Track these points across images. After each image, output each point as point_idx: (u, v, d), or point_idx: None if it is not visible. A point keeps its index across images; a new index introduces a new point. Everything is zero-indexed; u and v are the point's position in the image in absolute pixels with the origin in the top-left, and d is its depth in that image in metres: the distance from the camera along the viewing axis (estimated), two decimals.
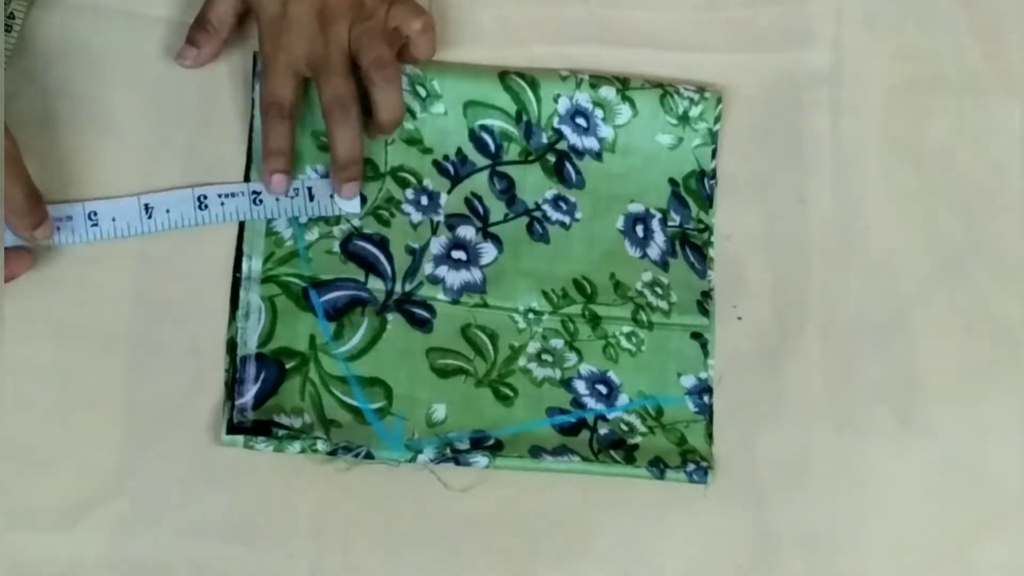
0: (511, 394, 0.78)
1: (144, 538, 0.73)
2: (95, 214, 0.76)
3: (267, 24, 0.77)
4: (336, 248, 0.78)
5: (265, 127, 0.77)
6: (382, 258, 0.79)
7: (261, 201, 0.77)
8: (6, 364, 0.74)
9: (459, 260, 0.80)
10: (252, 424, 0.74)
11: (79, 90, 0.78)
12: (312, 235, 0.78)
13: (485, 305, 0.79)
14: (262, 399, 0.75)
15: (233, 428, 0.74)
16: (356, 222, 0.79)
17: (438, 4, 0.83)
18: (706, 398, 0.80)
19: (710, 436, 0.79)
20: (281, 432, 0.74)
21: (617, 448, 0.78)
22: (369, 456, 0.75)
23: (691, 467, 0.78)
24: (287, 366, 0.76)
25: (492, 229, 0.81)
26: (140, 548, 0.73)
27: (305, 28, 0.77)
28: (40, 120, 0.78)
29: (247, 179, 0.78)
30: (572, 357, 0.80)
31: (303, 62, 0.77)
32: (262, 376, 0.75)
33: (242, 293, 0.77)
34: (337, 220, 0.79)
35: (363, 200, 0.79)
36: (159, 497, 0.74)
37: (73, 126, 0.78)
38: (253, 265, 0.77)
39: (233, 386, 0.75)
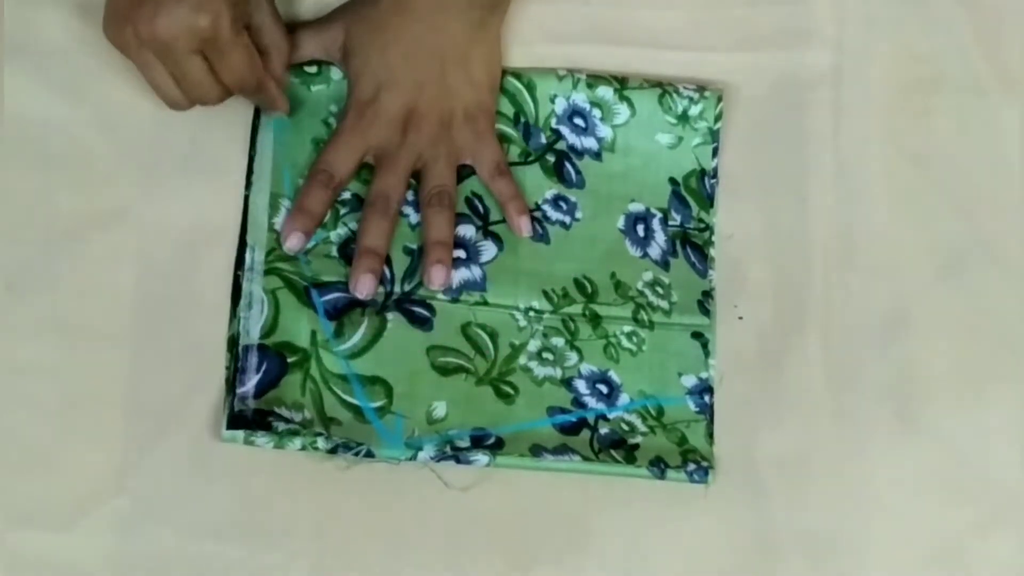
0: (512, 392, 0.78)
1: (144, 537, 0.74)
2: None
3: (356, 103, 0.79)
4: (334, 252, 0.78)
5: (308, 187, 0.78)
6: None
7: None
8: (6, 364, 0.74)
9: (458, 258, 0.80)
10: (253, 413, 0.74)
11: (79, 89, 0.78)
12: (310, 241, 0.78)
13: (485, 303, 0.79)
14: (263, 390, 0.75)
15: (234, 420, 0.74)
16: (353, 226, 0.79)
17: None
18: (707, 398, 0.80)
19: (711, 436, 0.79)
20: (281, 427, 0.74)
21: (618, 448, 0.78)
22: (369, 455, 0.75)
23: (692, 467, 0.78)
24: (289, 360, 0.76)
25: (492, 228, 0.81)
26: (140, 547, 0.73)
27: (388, 123, 0.79)
28: (40, 120, 0.78)
29: (248, 185, 0.78)
30: (573, 356, 0.80)
31: (373, 151, 0.79)
32: (264, 367, 0.75)
33: (244, 284, 0.77)
34: (335, 225, 0.79)
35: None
36: (159, 496, 0.74)
37: (73, 126, 0.78)
38: (256, 256, 0.77)
39: (234, 378, 0.75)
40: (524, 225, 0.80)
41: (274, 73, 0.78)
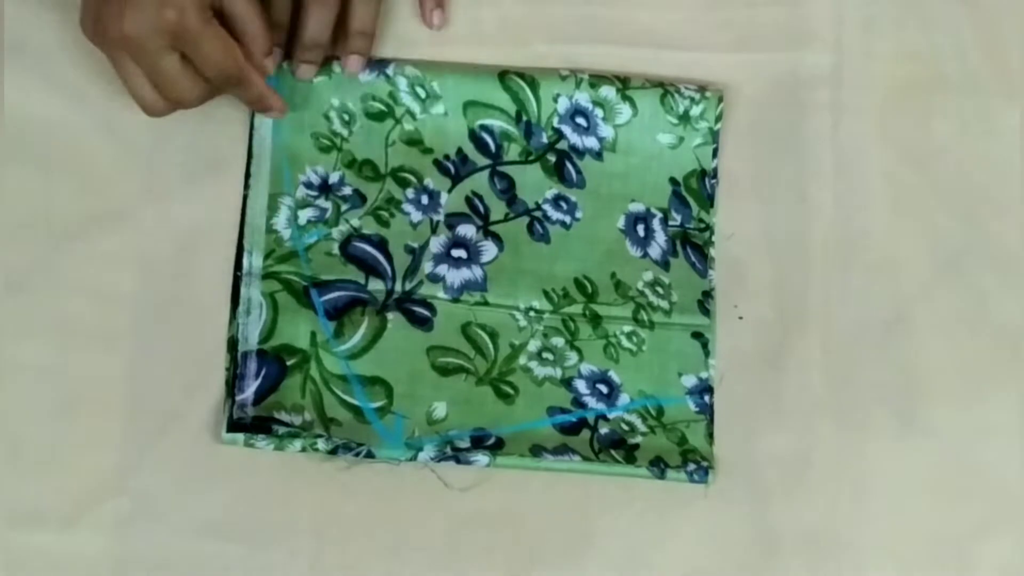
0: (512, 392, 0.78)
1: (144, 537, 0.74)
2: None
3: None
4: (335, 250, 0.78)
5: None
6: (381, 259, 0.79)
7: None
8: (6, 364, 0.74)
9: (459, 258, 0.80)
10: (252, 420, 0.74)
11: (79, 89, 0.78)
12: (311, 237, 0.78)
13: (485, 303, 0.79)
14: (262, 395, 0.75)
15: (233, 425, 0.74)
16: (355, 222, 0.79)
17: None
18: (707, 398, 0.80)
19: (711, 436, 0.79)
20: (281, 430, 0.74)
21: (618, 448, 0.78)
22: (370, 455, 0.75)
23: (692, 467, 0.78)
24: (288, 363, 0.76)
25: (493, 228, 0.81)
26: (140, 547, 0.74)
27: None
28: (40, 120, 0.78)
29: (247, 186, 0.78)
30: (573, 356, 0.80)
31: None
32: (263, 372, 0.75)
33: (243, 289, 0.77)
34: (336, 221, 0.79)
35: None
36: (159, 496, 0.74)
37: (73, 126, 0.78)
38: (254, 261, 0.77)
39: (234, 383, 0.75)
40: (437, 17, 0.81)
41: (256, 63, 0.76)
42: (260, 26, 0.75)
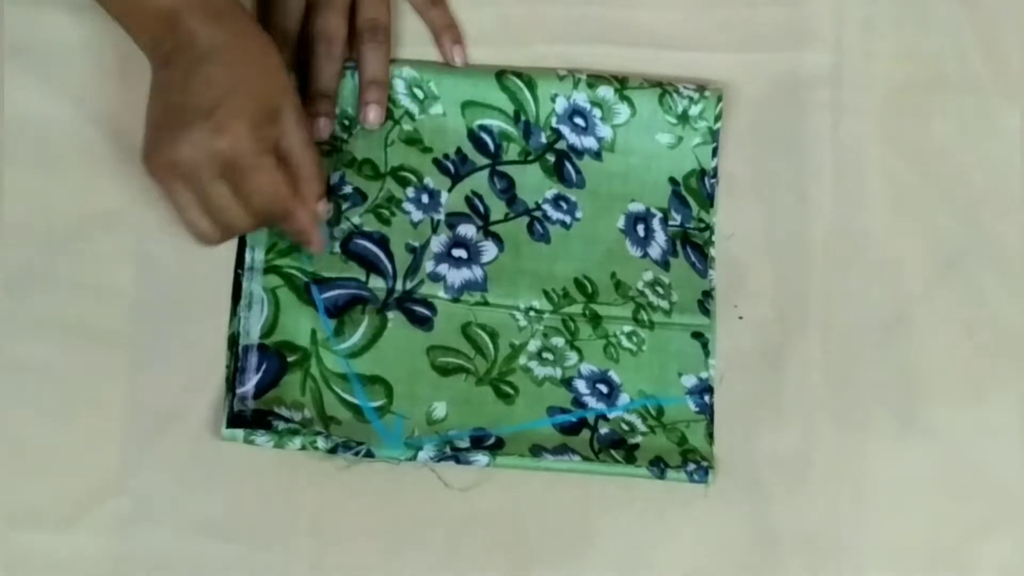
0: (512, 392, 0.78)
1: (145, 536, 0.74)
2: None
3: None
4: (336, 248, 0.78)
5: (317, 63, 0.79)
6: (383, 257, 0.79)
7: None
8: (6, 364, 0.74)
9: (460, 258, 0.80)
10: (252, 413, 0.74)
11: (79, 89, 0.78)
12: None
13: (486, 303, 0.79)
14: (263, 389, 0.75)
15: (233, 420, 0.74)
16: (356, 220, 0.79)
17: None
18: (707, 398, 0.80)
19: (711, 436, 0.79)
20: (281, 426, 0.74)
21: (618, 447, 0.78)
22: (369, 454, 0.75)
23: (692, 467, 0.78)
24: (288, 360, 0.76)
25: (493, 228, 0.81)
26: (141, 546, 0.74)
27: None
28: (40, 120, 0.78)
29: None
30: (573, 356, 0.80)
31: None
32: (263, 367, 0.75)
33: (244, 283, 0.77)
34: (337, 220, 0.79)
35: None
36: (160, 495, 0.74)
37: (74, 126, 0.78)
38: (256, 255, 0.77)
39: (234, 377, 0.75)
40: (459, 55, 0.81)
41: (306, 200, 0.74)
42: (314, 171, 0.74)
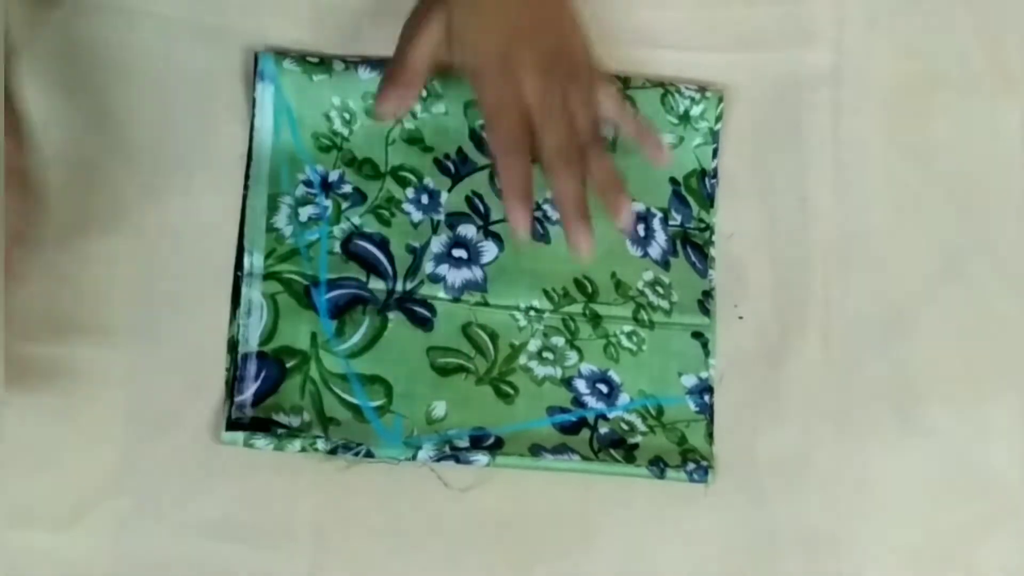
0: (511, 392, 0.78)
1: (144, 537, 0.74)
2: None
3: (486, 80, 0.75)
4: (337, 248, 0.78)
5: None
6: (383, 258, 0.79)
7: None
8: (6, 364, 0.74)
9: (460, 258, 0.80)
10: (250, 421, 0.74)
11: (79, 89, 0.78)
12: (313, 235, 0.78)
13: (486, 303, 0.79)
14: (262, 397, 0.75)
15: (232, 425, 0.74)
16: (356, 220, 0.79)
17: None
18: (707, 397, 0.80)
19: (711, 436, 0.80)
20: (280, 430, 0.74)
21: (617, 447, 0.78)
22: (369, 455, 0.75)
23: (691, 466, 0.78)
24: (288, 365, 0.76)
25: (493, 228, 0.81)
26: (140, 547, 0.74)
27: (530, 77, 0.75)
28: (39, 120, 0.78)
29: (246, 187, 0.78)
30: (573, 356, 0.80)
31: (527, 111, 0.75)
32: (263, 375, 0.75)
33: (244, 290, 0.77)
34: (337, 219, 0.79)
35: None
36: (159, 496, 0.74)
37: (73, 125, 0.78)
38: (255, 261, 0.77)
39: (233, 384, 0.75)
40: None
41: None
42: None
